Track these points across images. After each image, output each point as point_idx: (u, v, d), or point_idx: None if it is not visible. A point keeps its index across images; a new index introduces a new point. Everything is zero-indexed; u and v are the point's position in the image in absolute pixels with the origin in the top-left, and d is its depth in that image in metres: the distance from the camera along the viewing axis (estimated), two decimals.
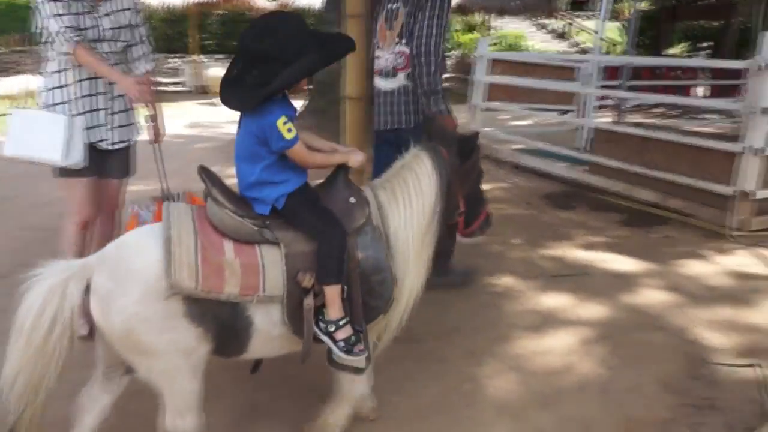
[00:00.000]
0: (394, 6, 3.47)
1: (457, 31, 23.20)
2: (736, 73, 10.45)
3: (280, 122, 2.01)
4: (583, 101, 8.31)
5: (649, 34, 18.56)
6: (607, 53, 12.14)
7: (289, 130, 2.03)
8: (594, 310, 3.65)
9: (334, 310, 2.09)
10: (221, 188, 2.10)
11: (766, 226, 5.10)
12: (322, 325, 2.12)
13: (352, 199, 2.20)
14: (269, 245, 2.07)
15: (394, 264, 2.21)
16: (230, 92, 2.08)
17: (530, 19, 23.94)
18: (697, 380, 2.94)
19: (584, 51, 19.56)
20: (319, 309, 2.11)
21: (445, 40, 3.39)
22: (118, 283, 1.93)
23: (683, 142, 5.55)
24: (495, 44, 21.74)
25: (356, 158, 2.26)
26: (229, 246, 2.03)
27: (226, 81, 2.10)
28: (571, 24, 23.52)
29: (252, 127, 2.07)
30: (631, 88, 9.29)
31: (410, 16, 3.35)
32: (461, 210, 2.49)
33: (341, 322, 2.11)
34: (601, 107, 10.01)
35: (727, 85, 11.71)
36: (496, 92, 8.59)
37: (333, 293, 2.08)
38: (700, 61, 13.24)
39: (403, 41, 3.40)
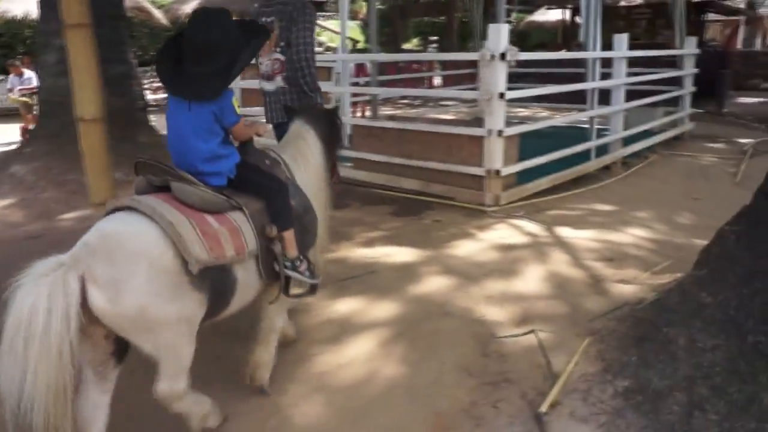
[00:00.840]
0: (268, 20, 3.83)
1: None
2: (465, 64, 11.63)
3: (234, 101, 2.42)
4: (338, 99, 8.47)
5: (386, 31, 19.85)
6: (353, 52, 12.61)
7: (236, 108, 2.43)
8: (386, 308, 3.66)
9: (293, 249, 2.55)
10: (178, 173, 2.30)
11: (514, 198, 5.70)
12: (288, 263, 2.55)
13: (268, 161, 2.65)
14: (235, 211, 2.36)
15: (312, 204, 2.75)
16: (186, 82, 2.33)
17: None
18: (488, 357, 3.09)
19: (331, 50, 20.23)
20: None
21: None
22: (122, 268, 1.99)
23: (435, 131, 5.93)
24: None
25: (263, 128, 2.79)
26: (211, 218, 2.25)
27: (173, 71, 2.37)
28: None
29: (210, 107, 2.35)
30: (380, 83, 9.76)
31: (286, 29, 3.78)
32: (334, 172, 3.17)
33: (300, 257, 2.61)
34: (354, 104, 10.35)
35: (458, 75, 13.00)
36: (249, 98, 8.37)
37: (290, 236, 2.53)
38: (437, 55, 14.48)
39: (278, 50, 3.83)
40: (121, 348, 2.16)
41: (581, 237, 4.81)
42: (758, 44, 23.49)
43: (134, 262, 2.01)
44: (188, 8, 15.97)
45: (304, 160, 2.87)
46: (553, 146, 6.29)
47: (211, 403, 2.47)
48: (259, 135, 2.72)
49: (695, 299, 2.76)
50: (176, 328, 2.13)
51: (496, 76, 5.21)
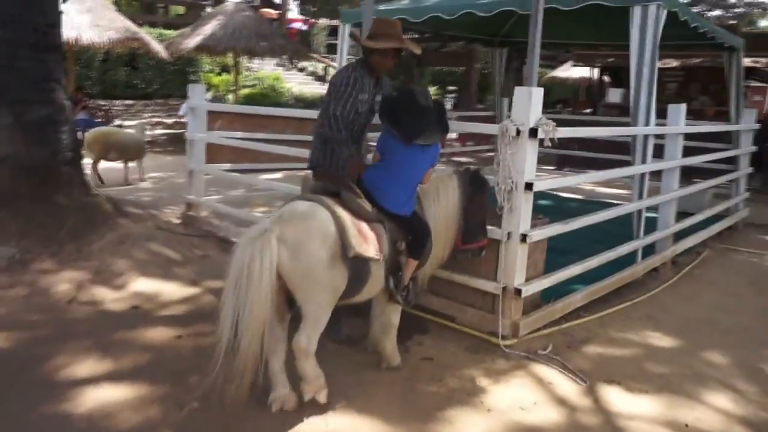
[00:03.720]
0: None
1: (209, 72, 21.29)
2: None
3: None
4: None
5: (401, 78, 18.63)
6: None
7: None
8: None
9: (408, 274, 3.35)
10: (350, 185, 3.22)
11: (538, 325, 4.12)
12: (395, 282, 3.31)
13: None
14: (378, 224, 3.15)
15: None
16: (422, 129, 3.25)
17: (286, 62, 22.96)
18: None
19: None
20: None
21: None
22: (305, 235, 2.84)
23: None
24: (253, 86, 20.30)
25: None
26: (364, 224, 3.06)
27: (412, 126, 3.25)
28: (328, 66, 23.03)
29: (425, 156, 3.33)
30: None
31: None
32: (461, 223, 3.60)
33: (409, 284, 3.41)
34: None
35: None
36: (223, 152, 6.92)
37: (412, 265, 3.34)
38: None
39: None
40: (291, 298, 2.95)
41: (640, 413, 3.20)
42: None
43: (313, 234, 2.85)
44: (191, 43, 14.75)
45: (437, 200, 3.50)
46: (587, 236, 4.72)
47: (325, 381, 3.09)
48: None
49: None
50: (326, 292, 2.93)
51: (523, 160, 3.70)
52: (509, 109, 9.54)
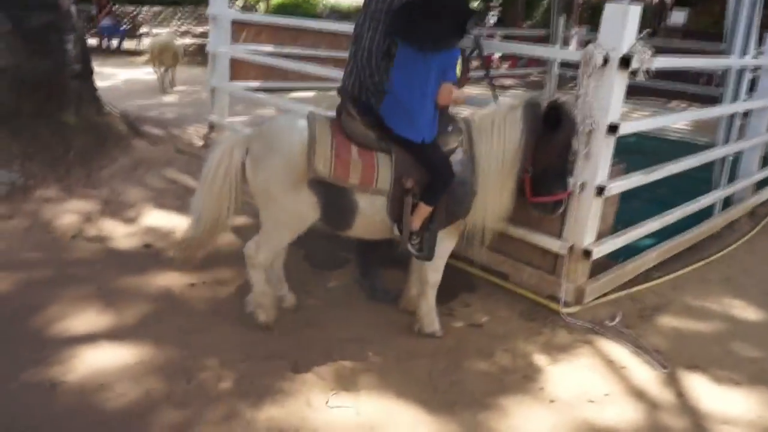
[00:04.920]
0: None
1: None
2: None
3: (459, 60, 2.81)
4: None
5: None
6: None
7: (456, 69, 2.77)
8: None
9: (417, 222, 2.77)
10: (354, 105, 2.76)
11: (606, 290, 3.54)
12: (403, 230, 2.80)
13: (450, 128, 2.80)
14: (380, 153, 2.74)
15: (475, 181, 2.80)
16: (423, 34, 2.58)
17: None
18: None
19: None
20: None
21: None
22: (268, 151, 2.74)
23: None
24: None
25: (463, 98, 2.85)
26: (354, 149, 2.72)
27: (409, 25, 2.61)
28: None
29: (428, 65, 2.62)
30: None
31: None
32: (528, 169, 2.82)
33: (418, 231, 2.81)
34: None
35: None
36: (248, 67, 6.24)
37: (425, 211, 2.75)
38: (501, 45, 12.00)
39: None
40: None
41: (734, 415, 2.65)
42: None
43: (275, 151, 2.72)
44: None
45: (491, 137, 2.81)
46: (663, 185, 4.06)
47: (271, 301, 3.03)
48: (457, 104, 2.85)
49: None
50: (283, 213, 2.81)
51: (608, 95, 2.99)
52: (565, 29, 8.60)
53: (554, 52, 5.61)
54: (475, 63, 3.81)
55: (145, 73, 10.57)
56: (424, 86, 2.64)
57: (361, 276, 3.50)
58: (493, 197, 2.85)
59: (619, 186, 3.30)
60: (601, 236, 3.41)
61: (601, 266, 3.56)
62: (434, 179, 2.72)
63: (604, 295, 3.51)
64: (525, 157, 2.79)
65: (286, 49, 6.67)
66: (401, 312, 3.25)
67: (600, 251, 3.32)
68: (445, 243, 2.94)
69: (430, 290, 3.03)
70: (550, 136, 2.74)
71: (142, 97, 8.57)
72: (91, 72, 5.33)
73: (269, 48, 6.61)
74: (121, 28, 14.97)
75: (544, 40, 8.60)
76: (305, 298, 3.36)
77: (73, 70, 4.96)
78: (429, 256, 2.85)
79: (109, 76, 10.78)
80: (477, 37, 3.31)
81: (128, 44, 14.61)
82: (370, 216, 2.79)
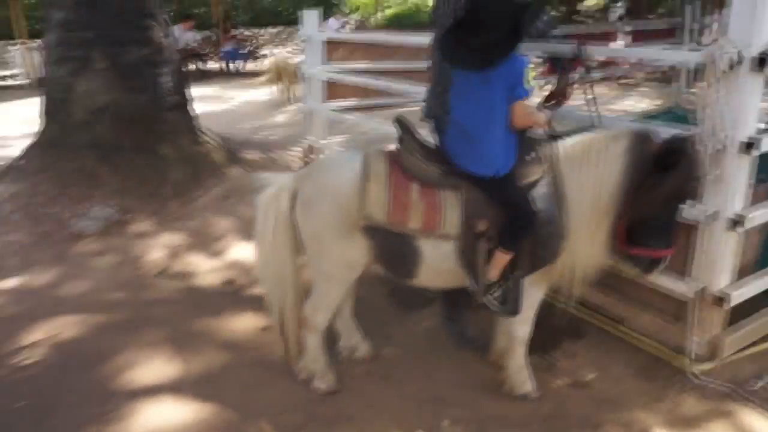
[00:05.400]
0: None
1: None
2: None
3: (527, 69, 2.17)
4: None
5: None
6: None
7: (529, 80, 2.16)
8: None
9: (495, 271, 2.30)
10: (412, 137, 2.37)
11: (746, 342, 2.86)
12: (483, 282, 2.34)
13: (530, 155, 2.30)
14: (448, 190, 2.30)
15: (563, 220, 2.26)
16: (468, 52, 2.14)
17: None
18: None
19: None
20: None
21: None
22: (316, 194, 2.40)
23: None
24: (402, 2, 19.00)
25: (545, 121, 2.35)
26: (416, 188, 2.30)
27: (454, 44, 2.18)
28: None
29: (497, 80, 2.15)
30: None
31: None
32: (625, 214, 2.24)
33: (500, 282, 2.34)
34: None
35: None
36: (343, 87, 6.05)
37: (503, 259, 2.27)
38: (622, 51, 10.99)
39: None
40: None
41: None
42: None
43: (324, 192, 2.38)
44: None
45: (583, 167, 2.26)
46: None
47: (324, 366, 2.67)
48: (538, 126, 2.35)
49: None
50: (333, 263, 2.45)
51: (740, 105, 2.37)
52: (700, 16, 7.54)
53: (671, 55, 4.56)
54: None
55: (261, 94, 10.88)
56: (489, 110, 2.20)
57: (447, 319, 3.10)
58: (584, 243, 2.31)
59: (764, 215, 2.64)
60: (741, 274, 2.76)
61: (743, 309, 2.89)
62: (512, 219, 2.26)
63: (748, 347, 2.84)
64: (623, 200, 2.22)
65: (382, 64, 6.42)
66: (492, 365, 2.82)
67: (739, 295, 2.67)
68: (532, 292, 2.46)
69: (518, 347, 2.58)
70: (660, 180, 2.14)
71: (256, 118, 8.78)
72: (186, 102, 5.39)
73: (364, 64, 6.40)
74: (243, 51, 15.64)
75: (676, 33, 7.63)
76: (384, 344, 3.03)
77: (168, 102, 5.03)
78: (514, 310, 2.40)
79: (228, 99, 11.25)
80: (579, 45, 2.81)
81: (250, 66, 15.22)
82: (437, 264, 2.38)
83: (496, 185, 2.26)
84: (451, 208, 2.30)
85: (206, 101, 11.11)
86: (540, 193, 2.29)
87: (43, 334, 3.17)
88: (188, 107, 5.40)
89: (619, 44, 7.12)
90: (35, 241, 4.16)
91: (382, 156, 2.42)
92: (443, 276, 2.45)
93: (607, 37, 10.71)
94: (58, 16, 4.64)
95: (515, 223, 2.25)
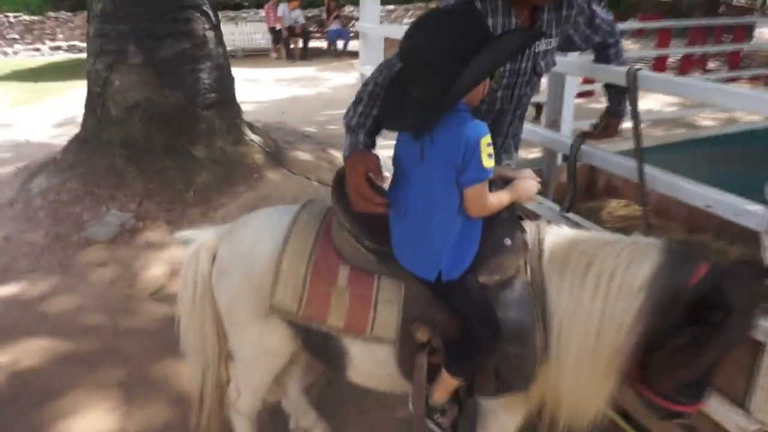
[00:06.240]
0: None
1: None
2: None
3: (484, 142, 1.45)
4: None
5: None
6: None
7: (489, 156, 1.46)
8: None
9: (442, 394, 1.75)
10: (345, 206, 1.70)
11: None
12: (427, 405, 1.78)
13: (507, 241, 1.64)
14: (391, 280, 1.70)
15: (542, 339, 1.58)
16: (400, 111, 1.53)
17: None
18: None
19: None
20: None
21: None
22: (229, 263, 1.88)
23: None
24: None
25: (529, 193, 1.66)
26: (344, 275, 1.73)
27: (392, 100, 1.57)
28: None
29: (433, 155, 1.50)
30: None
31: None
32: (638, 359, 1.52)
33: (446, 406, 1.80)
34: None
35: None
36: None
37: (451, 384, 1.71)
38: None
39: None
40: None
41: None
42: None
43: (236, 263, 1.86)
44: None
45: (586, 280, 1.53)
46: None
47: None
48: (520, 202, 1.71)
49: None
50: (250, 349, 1.97)
51: None
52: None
53: None
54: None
55: (356, 78, 10.54)
56: (427, 195, 1.55)
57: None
58: (573, 378, 1.59)
59: None
60: None
61: None
62: (464, 336, 1.61)
63: None
64: (635, 347, 1.49)
65: None
66: None
67: None
68: (503, 418, 1.82)
69: None
70: (698, 341, 1.42)
71: (340, 107, 8.40)
72: (230, 99, 5.07)
73: None
74: (348, 31, 15.35)
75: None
76: (355, 425, 2.52)
77: (207, 99, 4.73)
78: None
79: (324, 81, 11.04)
80: (631, 69, 2.12)
81: (355, 45, 14.93)
82: (369, 369, 1.80)
83: (440, 291, 1.63)
84: (387, 306, 1.68)
85: (300, 83, 10.95)
86: (511, 297, 1.62)
87: (5, 358, 2.98)
88: (231, 105, 5.08)
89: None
90: (48, 244, 4.03)
91: (317, 220, 1.83)
92: (382, 381, 1.87)
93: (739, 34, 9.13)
94: (98, 7, 4.45)
95: (467, 342, 1.60)
